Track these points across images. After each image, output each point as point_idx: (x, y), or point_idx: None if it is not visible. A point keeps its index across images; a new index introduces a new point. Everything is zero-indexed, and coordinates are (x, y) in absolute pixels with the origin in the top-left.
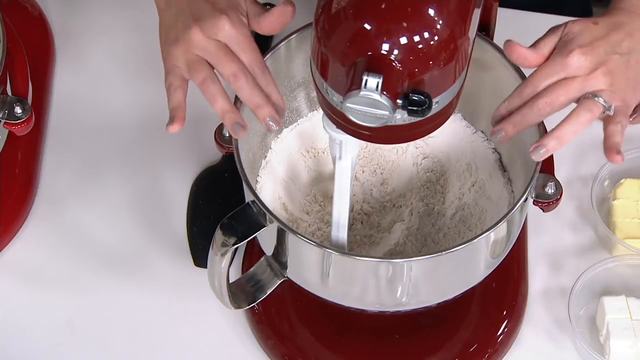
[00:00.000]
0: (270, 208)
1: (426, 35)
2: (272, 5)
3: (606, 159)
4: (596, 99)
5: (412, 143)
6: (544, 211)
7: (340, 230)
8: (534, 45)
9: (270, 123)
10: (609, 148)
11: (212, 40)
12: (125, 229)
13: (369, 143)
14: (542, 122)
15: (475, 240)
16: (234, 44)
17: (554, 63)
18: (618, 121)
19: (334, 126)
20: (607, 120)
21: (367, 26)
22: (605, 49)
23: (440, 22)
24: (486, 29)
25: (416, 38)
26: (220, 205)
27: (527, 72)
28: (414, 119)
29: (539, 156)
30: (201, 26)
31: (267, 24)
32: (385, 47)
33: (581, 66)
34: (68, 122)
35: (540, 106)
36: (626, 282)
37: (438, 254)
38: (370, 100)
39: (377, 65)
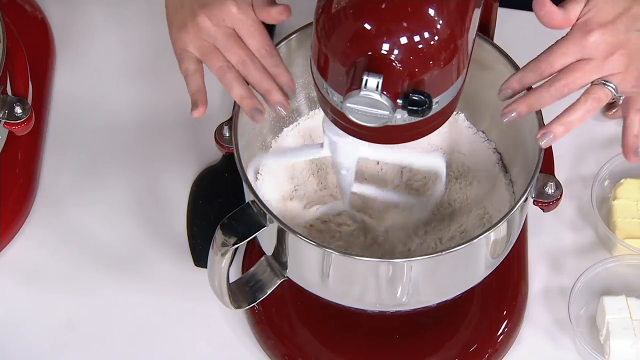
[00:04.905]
0: (271, 208)
1: (426, 35)
2: None
3: (606, 159)
4: (606, 86)
5: (412, 143)
6: (544, 211)
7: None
8: (562, 6)
9: (279, 109)
10: (628, 146)
11: (220, 27)
12: (125, 229)
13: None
14: (542, 117)
15: (475, 240)
16: (241, 29)
17: (573, 41)
18: (638, 108)
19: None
20: (626, 106)
21: (367, 26)
22: (625, 25)
23: (441, 22)
24: (486, 29)
25: (416, 38)
26: (220, 205)
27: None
28: (414, 119)
29: (546, 143)
30: (208, 13)
31: (271, 17)
32: (386, 47)
33: (599, 48)
34: (68, 122)
35: (557, 88)
36: (626, 282)
37: (438, 254)
38: (371, 100)
39: (377, 65)
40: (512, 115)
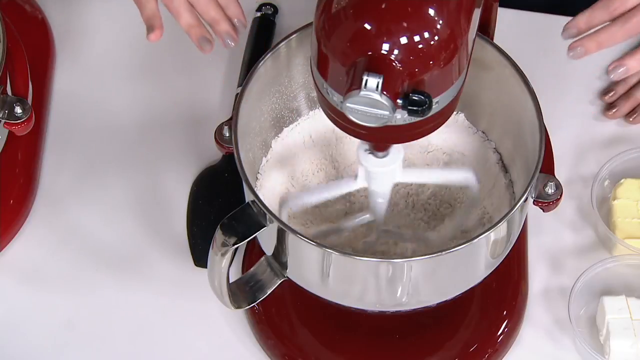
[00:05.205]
0: (271, 208)
1: (426, 35)
2: (271, 5)
3: (606, 159)
4: None
5: (412, 143)
6: (544, 211)
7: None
8: None
9: (227, 40)
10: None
11: None
12: (125, 229)
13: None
14: (542, 116)
15: (475, 240)
16: None
17: None
18: None
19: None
20: None
21: (367, 26)
22: None
23: (440, 22)
24: (486, 29)
25: (416, 38)
26: (220, 205)
27: (527, 70)
28: (414, 119)
29: (618, 75)
30: None
31: None
32: (386, 47)
33: None
34: (68, 122)
35: (632, 25)
36: (626, 282)
37: (438, 254)
38: (371, 100)
39: (377, 65)
40: (578, 51)
